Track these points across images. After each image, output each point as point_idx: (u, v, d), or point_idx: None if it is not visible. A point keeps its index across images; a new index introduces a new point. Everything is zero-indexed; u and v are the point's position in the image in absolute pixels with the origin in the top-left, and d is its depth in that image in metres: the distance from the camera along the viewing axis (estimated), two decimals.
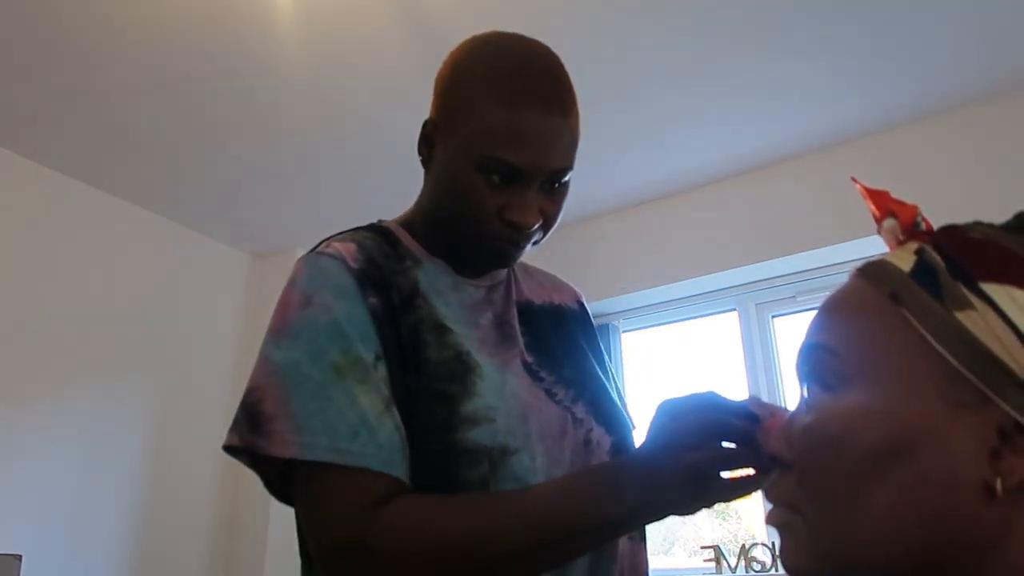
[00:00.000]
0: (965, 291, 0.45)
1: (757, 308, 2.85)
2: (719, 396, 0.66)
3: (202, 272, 3.13)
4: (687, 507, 0.67)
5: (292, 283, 0.80)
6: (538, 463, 0.78)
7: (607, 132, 2.55)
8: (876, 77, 2.31)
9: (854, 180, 0.55)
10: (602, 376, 0.95)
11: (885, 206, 0.51)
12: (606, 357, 1.02)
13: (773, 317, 2.83)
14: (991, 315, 0.44)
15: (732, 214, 2.80)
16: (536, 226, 0.81)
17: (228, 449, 0.75)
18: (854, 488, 0.45)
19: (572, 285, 1.08)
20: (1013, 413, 0.42)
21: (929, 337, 0.45)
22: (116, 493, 2.67)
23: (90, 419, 2.61)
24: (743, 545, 2.46)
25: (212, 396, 2.99)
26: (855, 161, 2.58)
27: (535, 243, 0.85)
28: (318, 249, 0.83)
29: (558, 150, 0.79)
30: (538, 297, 0.98)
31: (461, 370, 0.78)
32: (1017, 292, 0.44)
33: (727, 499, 0.66)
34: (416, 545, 0.67)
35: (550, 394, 0.85)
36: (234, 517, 3.00)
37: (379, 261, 0.82)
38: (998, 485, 0.42)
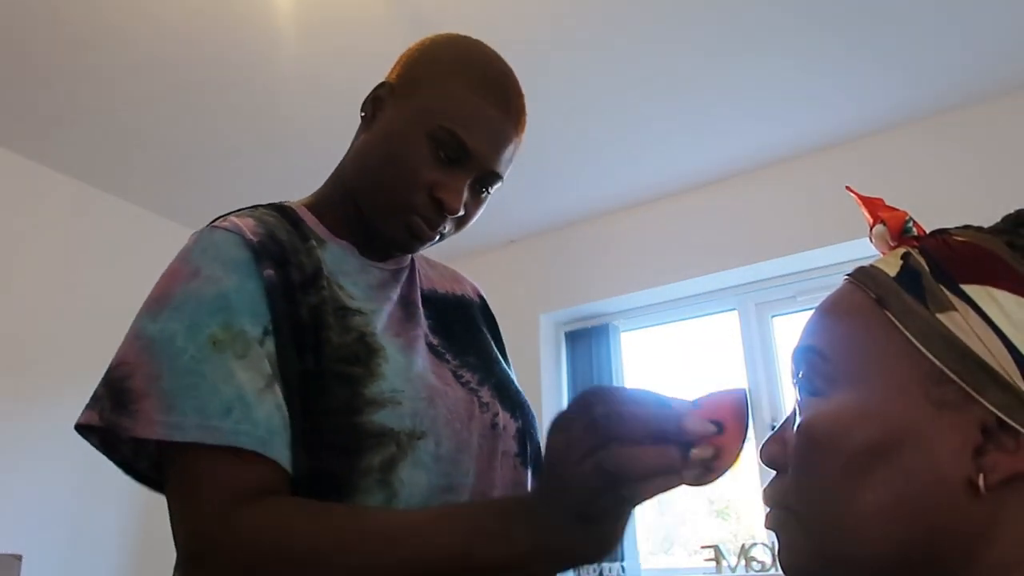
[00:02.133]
0: (947, 293, 0.46)
1: (757, 308, 2.85)
2: (612, 389, 0.54)
3: None
4: (594, 534, 0.55)
5: (181, 255, 0.76)
6: (444, 448, 0.74)
7: (607, 133, 2.55)
8: (874, 79, 2.31)
9: (848, 189, 0.56)
10: (504, 364, 0.93)
11: (876, 213, 0.52)
12: (506, 353, 0.99)
13: (773, 317, 2.84)
14: (972, 316, 0.45)
15: (732, 214, 2.80)
16: (454, 216, 0.80)
17: (81, 429, 0.70)
18: (843, 487, 0.47)
19: (472, 280, 1.06)
20: (995, 411, 0.43)
21: (912, 339, 0.46)
22: (116, 493, 2.67)
23: None
24: (743, 545, 2.46)
25: None
26: (854, 162, 2.58)
27: (440, 238, 0.84)
28: (214, 223, 0.79)
29: (504, 153, 0.81)
30: (441, 287, 0.96)
31: (364, 352, 0.75)
32: (997, 292, 0.45)
33: (643, 498, 0.51)
34: (267, 557, 0.62)
35: (456, 376, 0.83)
36: None
37: (280, 236, 0.78)
38: (981, 482, 0.43)
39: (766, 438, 0.55)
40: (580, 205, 3.03)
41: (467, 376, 0.84)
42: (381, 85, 0.84)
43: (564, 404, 2.62)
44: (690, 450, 0.49)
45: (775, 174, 2.76)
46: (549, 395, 3.03)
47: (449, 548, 0.59)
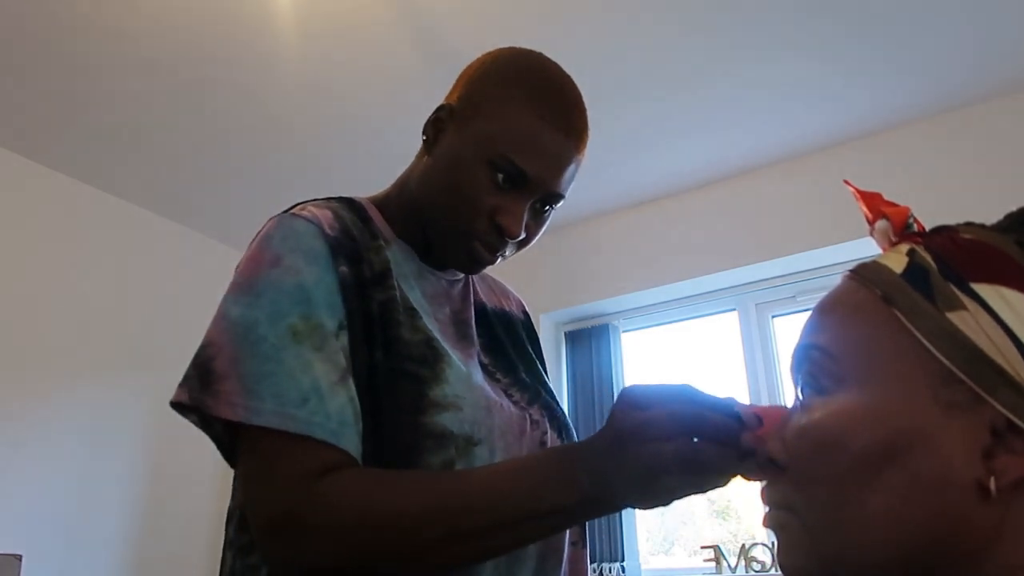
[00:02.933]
0: (956, 292, 0.45)
1: (757, 308, 2.85)
2: (696, 389, 0.61)
3: (203, 272, 3.13)
4: (647, 500, 0.62)
5: (263, 240, 0.77)
6: (496, 457, 0.77)
7: (607, 133, 2.55)
8: (876, 77, 2.31)
9: (846, 183, 0.56)
10: (550, 386, 0.96)
11: (877, 208, 0.51)
12: (546, 369, 1.02)
13: (773, 317, 2.83)
14: (982, 315, 0.44)
15: (732, 214, 2.80)
16: (517, 239, 0.81)
17: (176, 406, 0.72)
18: (848, 490, 0.46)
19: (517, 294, 1.08)
20: (1006, 412, 0.42)
21: (921, 338, 0.45)
22: (116, 493, 2.67)
23: (90, 419, 2.61)
24: (743, 545, 2.46)
25: None
26: (855, 161, 2.58)
27: (504, 258, 0.85)
28: (293, 211, 0.80)
29: (565, 175, 0.81)
30: (491, 301, 0.98)
31: (432, 355, 0.77)
32: (1007, 292, 0.44)
33: (691, 493, 0.61)
34: (353, 521, 0.65)
35: (507, 394, 0.85)
36: None
37: (353, 233, 0.80)
38: (991, 484, 0.42)
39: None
40: (580, 205, 3.03)
41: (517, 396, 0.86)
42: (441, 107, 0.84)
43: (564, 405, 2.59)
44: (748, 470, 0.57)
45: (775, 174, 2.76)
46: None
47: (521, 494, 0.64)
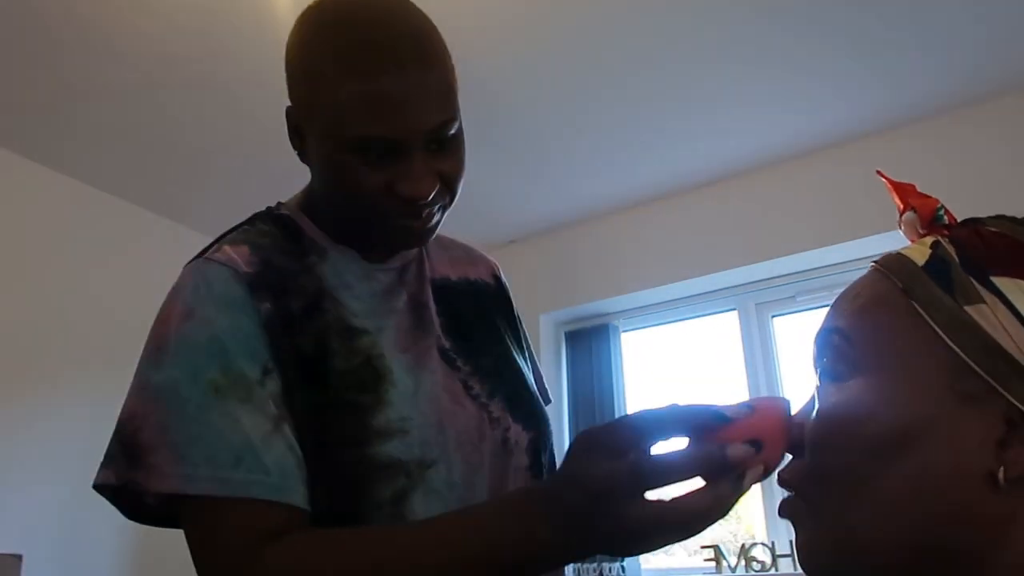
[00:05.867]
0: (976, 285, 0.45)
1: (757, 308, 2.86)
2: (657, 413, 0.55)
3: None
4: (629, 553, 0.56)
5: (174, 294, 0.73)
6: (455, 473, 0.73)
7: (607, 132, 2.55)
8: (877, 77, 2.31)
9: (879, 173, 0.56)
10: (519, 362, 0.90)
11: (907, 199, 0.51)
12: (524, 334, 0.97)
13: (773, 317, 2.84)
14: (1001, 309, 0.44)
15: (732, 214, 2.81)
16: (434, 192, 0.72)
17: (100, 489, 0.68)
18: (861, 477, 0.46)
19: (488, 256, 0.99)
20: (1020, 406, 0.42)
21: (938, 329, 0.46)
22: None
23: (90, 419, 2.60)
24: (743, 545, 2.46)
25: None
26: (855, 161, 2.58)
27: (443, 209, 0.77)
28: (207, 254, 0.76)
29: (428, 106, 0.69)
30: (454, 272, 0.91)
31: (371, 377, 0.72)
32: None
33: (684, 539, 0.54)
34: None
35: (466, 387, 0.80)
36: None
37: (277, 262, 0.75)
38: (1001, 475, 0.42)
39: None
40: (580, 205, 3.03)
41: (477, 388, 0.81)
42: (288, 112, 0.78)
43: (564, 405, 2.60)
44: (740, 481, 0.52)
45: (775, 174, 2.76)
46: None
47: (476, 557, 0.59)
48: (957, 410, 0.44)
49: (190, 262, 0.77)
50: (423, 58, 0.69)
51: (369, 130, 0.68)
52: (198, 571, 0.66)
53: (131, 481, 0.65)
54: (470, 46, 2.15)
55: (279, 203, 0.86)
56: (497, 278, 0.98)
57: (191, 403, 0.66)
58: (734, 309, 2.91)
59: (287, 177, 3.07)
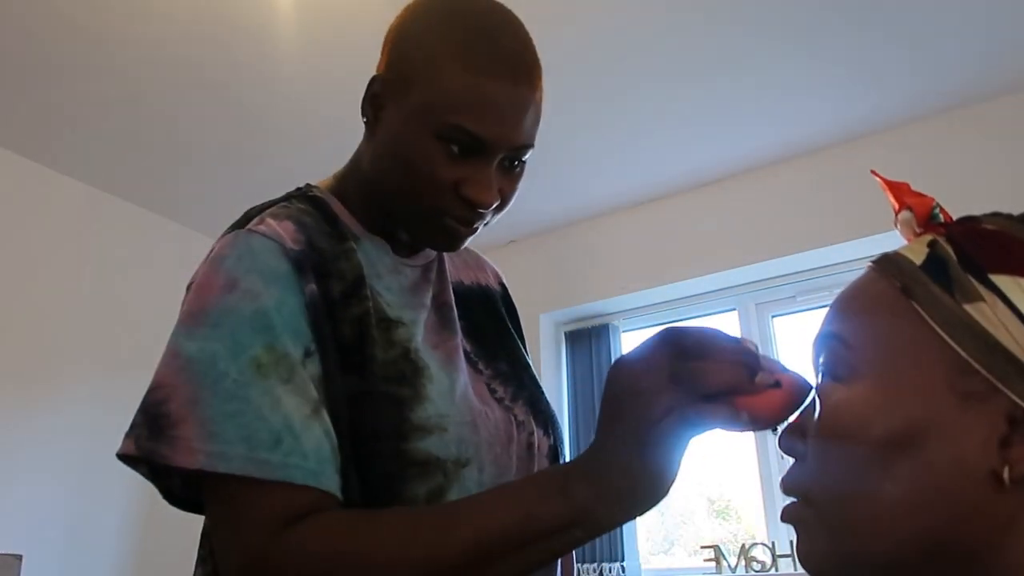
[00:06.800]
0: (975, 283, 0.45)
1: (757, 308, 2.86)
2: (689, 328, 0.56)
3: None
4: (654, 464, 0.55)
5: (215, 262, 0.69)
6: (486, 474, 0.72)
7: (607, 132, 2.56)
8: (877, 77, 2.31)
9: (874, 173, 0.55)
10: (532, 369, 0.90)
11: (902, 198, 0.51)
12: (526, 345, 0.97)
13: (773, 317, 2.84)
14: (1000, 306, 0.44)
15: (732, 214, 2.80)
16: (492, 206, 0.74)
17: (123, 458, 0.65)
18: (863, 479, 0.46)
19: (492, 263, 1.00)
20: (1022, 403, 0.42)
21: (938, 329, 0.45)
22: (116, 493, 2.66)
23: (90, 419, 2.60)
24: (743, 545, 2.46)
25: None
26: (855, 162, 2.58)
27: (485, 224, 0.77)
28: (250, 225, 0.72)
29: (523, 124, 0.72)
30: (467, 277, 0.91)
31: (410, 370, 0.71)
32: None
33: (707, 426, 0.54)
34: (332, 569, 0.59)
35: (491, 390, 0.80)
36: None
37: (319, 243, 0.73)
38: (1005, 474, 0.42)
39: (785, 425, 0.54)
40: (580, 205, 3.03)
41: (500, 391, 0.81)
42: (373, 80, 0.76)
43: (565, 404, 2.60)
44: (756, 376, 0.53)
45: (775, 174, 2.76)
46: (549, 395, 3.01)
47: (510, 516, 0.58)
48: (959, 409, 0.44)
49: (229, 231, 0.73)
50: (533, 82, 0.72)
51: (468, 123, 0.69)
52: (221, 554, 0.63)
53: (153, 453, 0.62)
54: None
55: (309, 184, 0.84)
56: (503, 286, 0.98)
57: (228, 378, 0.63)
58: (734, 309, 2.91)
59: (291, 177, 3.08)
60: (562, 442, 0.86)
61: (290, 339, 0.66)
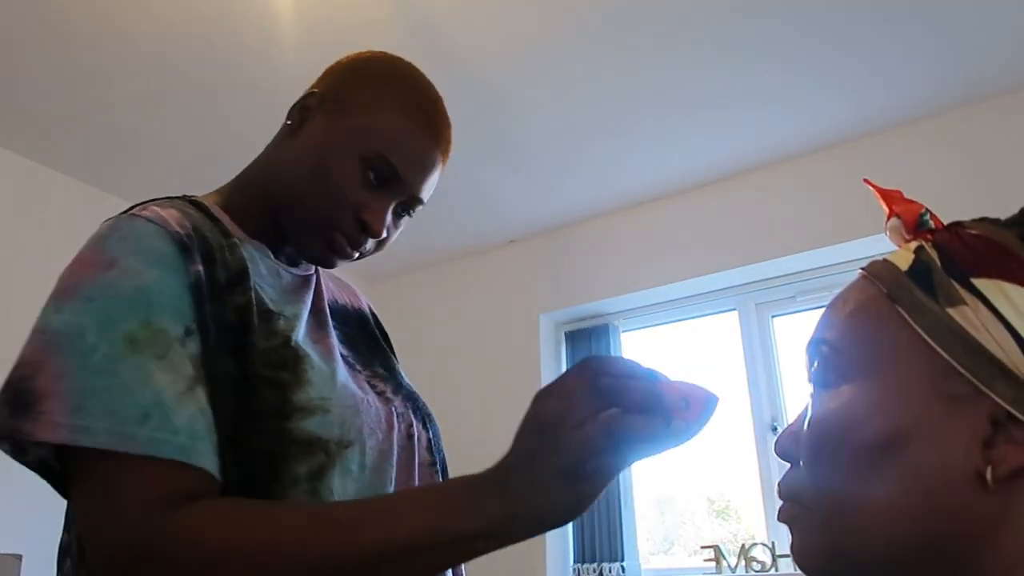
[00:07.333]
0: (958, 287, 0.46)
1: (757, 308, 2.86)
2: (610, 360, 0.59)
3: None
4: (573, 494, 0.55)
5: (93, 243, 0.69)
6: (368, 457, 0.74)
7: (607, 133, 2.56)
8: (877, 77, 2.31)
9: (866, 181, 0.56)
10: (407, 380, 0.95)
11: (892, 206, 0.52)
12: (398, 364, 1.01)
13: (773, 317, 2.84)
14: (982, 310, 0.45)
15: (732, 214, 2.81)
16: (381, 237, 0.81)
17: None
18: (852, 482, 0.47)
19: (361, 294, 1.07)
20: (1005, 405, 0.43)
21: (923, 334, 0.47)
22: None
23: None
24: (743, 545, 2.46)
25: None
26: (854, 162, 2.58)
27: (362, 256, 0.84)
28: (133, 211, 0.73)
29: (429, 180, 0.83)
30: (341, 298, 0.96)
31: (291, 357, 0.72)
32: (1008, 286, 0.45)
33: (629, 463, 0.56)
34: (221, 560, 0.57)
35: (371, 385, 0.83)
36: None
37: (204, 232, 0.73)
38: (988, 474, 0.43)
39: (781, 431, 0.55)
40: (580, 205, 3.03)
41: (380, 385, 0.85)
42: (310, 94, 0.83)
43: None
44: (671, 423, 0.55)
45: (774, 174, 2.76)
46: None
47: (418, 525, 0.57)
48: (943, 412, 0.45)
49: (110, 218, 0.73)
50: (446, 153, 0.85)
51: (393, 158, 0.78)
52: (88, 535, 0.62)
53: (16, 430, 0.60)
54: (472, 48, 2.15)
55: (187, 195, 0.87)
56: (374, 314, 1.02)
57: (97, 352, 0.61)
58: (734, 309, 2.91)
59: None
60: (440, 438, 0.90)
61: (169, 317, 0.65)
